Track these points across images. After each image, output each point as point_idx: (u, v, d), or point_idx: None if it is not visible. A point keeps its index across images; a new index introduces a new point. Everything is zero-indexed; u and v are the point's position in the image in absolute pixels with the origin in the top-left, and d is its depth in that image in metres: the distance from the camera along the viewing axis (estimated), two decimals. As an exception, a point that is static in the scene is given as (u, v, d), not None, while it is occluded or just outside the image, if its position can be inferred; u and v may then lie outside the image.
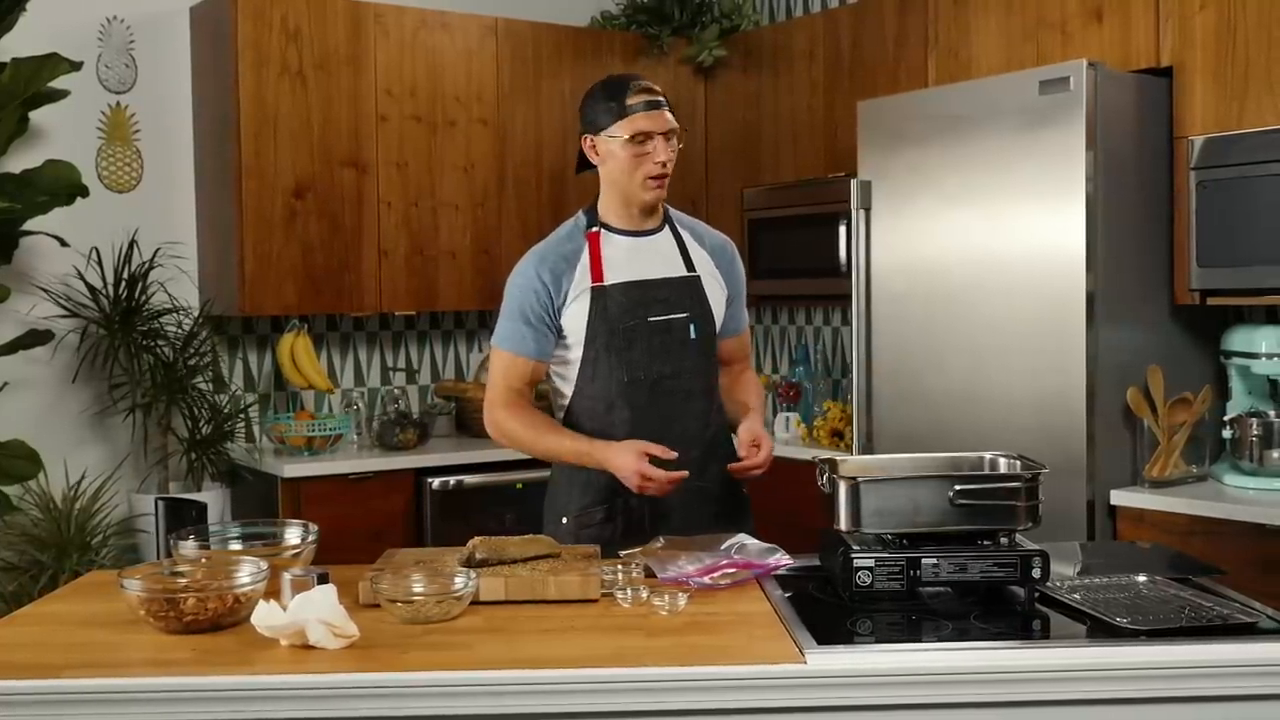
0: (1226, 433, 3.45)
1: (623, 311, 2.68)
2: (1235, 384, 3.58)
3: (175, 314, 4.40)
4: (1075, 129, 3.38)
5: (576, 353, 2.72)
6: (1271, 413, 3.44)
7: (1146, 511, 3.34)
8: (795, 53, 4.83)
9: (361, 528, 4.17)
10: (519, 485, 4.59)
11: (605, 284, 2.69)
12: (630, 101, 2.64)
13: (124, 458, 4.46)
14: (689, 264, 2.77)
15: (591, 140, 2.71)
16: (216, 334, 4.63)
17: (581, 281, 2.70)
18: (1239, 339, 3.50)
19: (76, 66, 4.00)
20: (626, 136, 2.64)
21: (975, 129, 3.64)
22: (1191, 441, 3.50)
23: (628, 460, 2.54)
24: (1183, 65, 3.51)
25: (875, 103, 4.01)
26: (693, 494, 2.71)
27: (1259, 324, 3.59)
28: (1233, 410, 3.54)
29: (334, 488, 4.27)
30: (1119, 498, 3.40)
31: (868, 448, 3.96)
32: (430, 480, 4.44)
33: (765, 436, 2.69)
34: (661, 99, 2.67)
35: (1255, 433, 3.37)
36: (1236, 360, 3.51)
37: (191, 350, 4.33)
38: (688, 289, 2.75)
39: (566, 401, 2.79)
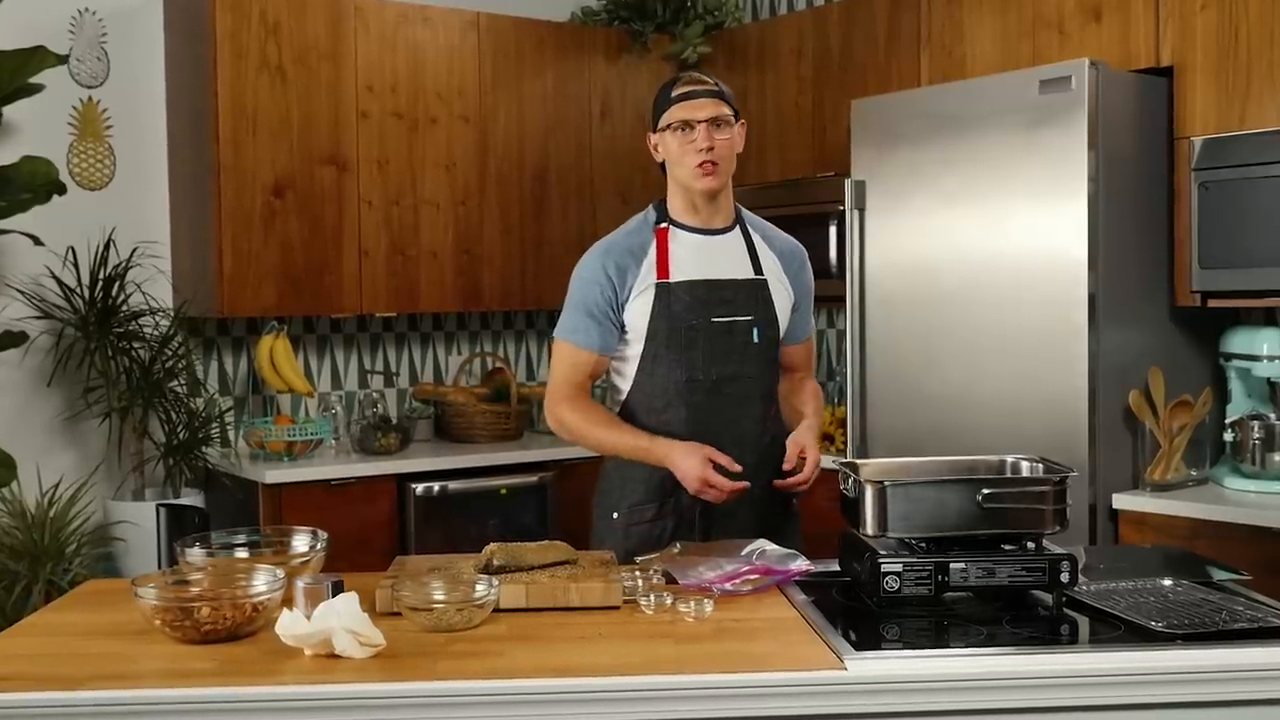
0: (1228, 435, 3.45)
1: (686, 310, 2.65)
2: (1235, 386, 3.57)
3: (152, 316, 4.27)
4: (1077, 129, 3.36)
5: (636, 348, 2.68)
6: (1272, 415, 3.42)
7: (1148, 515, 3.32)
8: (782, 50, 4.79)
9: (346, 534, 4.04)
10: (503, 491, 4.52)
11: (670, 281, 2.66)
12: (674, 94, 2.66)
13: (99, 463, 4.34)
14: (757, 266, 2.73)
15: (654, 139, 2.71)
16: (192, 336, 4.52)
17: (647, 277, 2.66)
18: (1239, 341, 3.50)
19: (63, 60, 3.89)
20: (667, 127, 2.65)
21: (974, 128, 3.62)
22: (1192, 444, 3.49)
23: (693, 465, 2.52)
24: (1183, 65, 3.50)
25: (870, 101, 3.98)
26: (743, 499, 2.65)
27: (1259, 326, 3.57)
28: (1233, 413, 3.53)
29: (316, 494, 4.17)
30: (1121, 501, 3.38)
31: (861, 451, 3.92)
32: (414, 486, 4.35)
33: (813, 448, 2.63)
34: (702, 89, 2.64)
35: (1256, 435, 3.37)
36: (1236, 363, 3.50)
37: (168, 353, 4.21)
38: (754, 291, 2.71)
39: (623, 397, 2.74)
